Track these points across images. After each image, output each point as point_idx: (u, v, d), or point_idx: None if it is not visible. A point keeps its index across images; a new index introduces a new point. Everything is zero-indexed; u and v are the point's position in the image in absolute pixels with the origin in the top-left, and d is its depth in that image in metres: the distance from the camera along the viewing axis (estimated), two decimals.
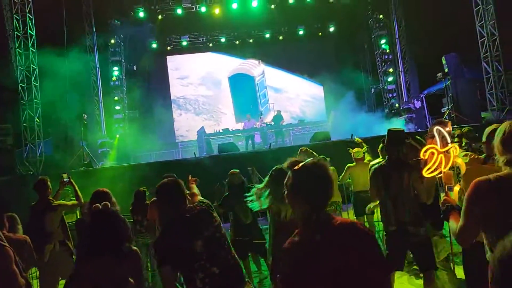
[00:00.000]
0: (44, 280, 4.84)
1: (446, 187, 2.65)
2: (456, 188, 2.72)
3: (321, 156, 6.34)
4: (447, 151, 2.87)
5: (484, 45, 12.79)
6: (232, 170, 5.91)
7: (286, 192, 1.92)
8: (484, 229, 2.10)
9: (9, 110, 11.77)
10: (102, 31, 16.80)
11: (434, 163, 2.90)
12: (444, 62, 13.80)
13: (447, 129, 3.28)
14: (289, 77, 20.19)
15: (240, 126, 17.10)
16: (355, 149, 6.78)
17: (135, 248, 2.74)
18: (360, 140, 7.18)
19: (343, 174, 6.81)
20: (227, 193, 5.76)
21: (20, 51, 11.72)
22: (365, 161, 6.65)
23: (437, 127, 3.08)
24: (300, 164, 1.88)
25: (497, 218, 1.99)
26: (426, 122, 14.55)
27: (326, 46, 20.24)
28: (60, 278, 4.93)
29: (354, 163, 6.71)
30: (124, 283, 2.58)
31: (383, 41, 18.22)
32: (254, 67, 19.71)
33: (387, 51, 18.16)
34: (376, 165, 4.06)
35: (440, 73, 14.05)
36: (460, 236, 2.18)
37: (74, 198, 5.44)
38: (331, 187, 1.87)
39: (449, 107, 13.44)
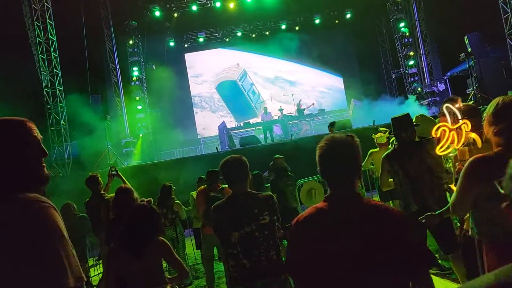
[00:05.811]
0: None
1: (461, 162, 2.66)
2: None
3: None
4: (459, 128, 2.83)
5: (508, 21, 12.37)
6: (277, 155, 6.17)
7: None
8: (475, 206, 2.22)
9: (35, 115, 12.10)
10: (120, 32, 17.06)
11: (447, 140, 2.87)
12: (466, 41, 13.43)
13: (457, 105, 3.23)
14: (305, 69, 20.11)
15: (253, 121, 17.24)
16: (378, 134, 6.69)
17: (162, 238, 2.96)
18: (385, 129, 7.08)
19: (365, 160, 6.73)
20: (274, 175, 5.97)
21: (43, 57, 12.03)
22: (389, 146, 6.55)
23: (446, 104, 3.04)
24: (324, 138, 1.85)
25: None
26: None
27: (343, 34, 20.01)
28: None
29: (377, 149, 6.61)
30: (153, 271, 2.77)
31: (402, 24, 17.84)
32: (234, 71, 20.05)
33: (407, 34, 17.77)
34: (386, 153, 4.04)
35: (463, 53, 13.68)
36: (454, 207, 2.35)
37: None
38: (346, 164, 1.78)
39: (474, 87, 13.09)
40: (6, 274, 1.25)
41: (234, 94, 19.92)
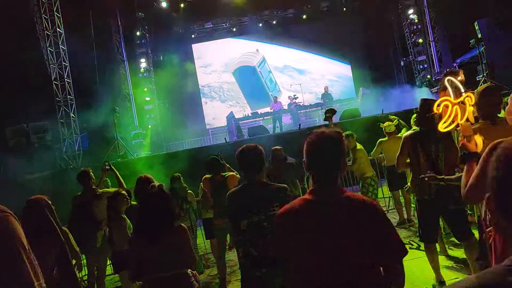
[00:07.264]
0: (93, 263, 5.15)
1: (465, 138, 2.51)
2: (479, 138, 2.54)
3: (348, 132, 6.33)
4: (462, 102, 2.72)
5: None
6: (275, 146, 6.09)
7: None
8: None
9: (45, 108, 12.21)
10: (127, 24, 17.06)
11: (450, 116, 2.75)
12: (477, 27, 13.23)
13: (459, 78, 3.10)
14: (313, 58, 19.98)
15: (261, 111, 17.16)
16: (386, 123, 6.67)
17: (182, 224, 2.96)
18: (394, 117, 7.03)
19: (374, 149, 6.75)
20: (272, 167, 5.94)
21: (51, 50, 12.09)
22: (399, 134, 6.54)
23: (448, 77, 2.92)
24: (311, 132, 1.89)
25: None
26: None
27: (351, 21, 19.78)
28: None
29: (386, 138, 6.61)
30: (174, 256, 2.77)
31: (411, 11, 17.60)
32: (253, 57, 19.87)
33: (416, 21, 17.54)
34: (409, 133, 4.00)
35: (473, 40, 13.49)
36: (468, 194, 2.14)
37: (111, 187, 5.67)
38: (331, 158, 1.82)
39: (484, 74, 12.92)
40: None
41: (251, 80, 19.78)
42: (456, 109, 2.72)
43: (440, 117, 2.84)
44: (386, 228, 1.75)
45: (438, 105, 2.83)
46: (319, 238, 1.72)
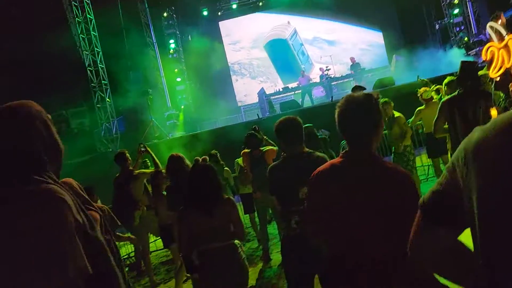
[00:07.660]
0: (137, 240, 5.35)
1: None
2: None
3: (385, 99, 6.15)
4: (506, 45, 2.62)
5: None
6: (307, 125, 6.03)
7: None
8: None
9: (82, 94, 12.56)
10: (154, 5, 17.12)
11: (497, 60, 2.67)
12: None
13: (500, 21, 2.97)
14: (343, 27, 19.40)
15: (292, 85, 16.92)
16: (422, 89, 6.44)
17: (230, 196, 3.04)
18: (426, 80, 6.79)
19: (413, 117, 6.56)
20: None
21: (83, 36, 12.33)
22: (434, 100, 6.32)
23: (489, 23, 2.82)
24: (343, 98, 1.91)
25: None
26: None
27: None
28: (150, 234, 5.58)
29: (424, 105, 6.41)
30: (224, 228, 2.86)
31: None
32: (285, 29, 19.38)
33: None
34: (446, 98, 3.87)
35: None
36: None
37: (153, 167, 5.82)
38: (359, 121, 1.81)
39: None
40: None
41: (283, 53, 19.41)
42: (502, 53, 2.64)
43: (490, 63, 2.76)
44: (409, 197, 1.69)
45: (486, 52, 2.76)
46: (343, 203, 1.76)
